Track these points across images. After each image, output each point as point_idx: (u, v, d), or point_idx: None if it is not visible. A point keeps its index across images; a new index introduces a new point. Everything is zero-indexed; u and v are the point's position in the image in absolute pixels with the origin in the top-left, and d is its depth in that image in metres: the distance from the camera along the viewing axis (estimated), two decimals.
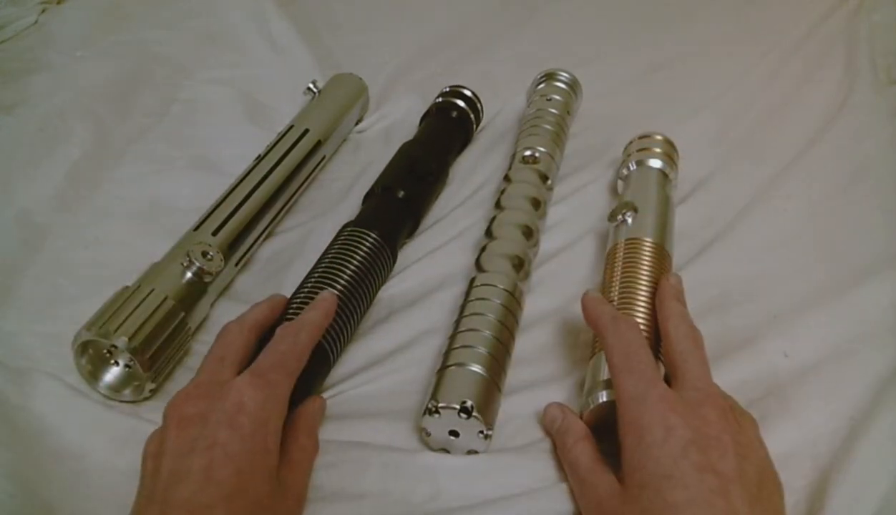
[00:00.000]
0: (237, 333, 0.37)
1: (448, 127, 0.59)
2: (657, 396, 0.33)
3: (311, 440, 0.36)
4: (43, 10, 0.79)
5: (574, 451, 0.36)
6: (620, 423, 0.33)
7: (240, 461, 0.30)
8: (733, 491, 0.29)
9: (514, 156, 0.56)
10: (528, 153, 0.54)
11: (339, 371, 0.43)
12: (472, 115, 0.60)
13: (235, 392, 0.32)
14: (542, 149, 0.55)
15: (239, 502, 0.29)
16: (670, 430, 0.31)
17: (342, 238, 0.46)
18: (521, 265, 0.45)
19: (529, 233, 0.48)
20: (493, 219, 0.49)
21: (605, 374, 0.38)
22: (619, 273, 0.44)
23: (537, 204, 0.50)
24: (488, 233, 0.48)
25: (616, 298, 0.42)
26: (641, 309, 0.41)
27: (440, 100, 0.61)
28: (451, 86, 0.61)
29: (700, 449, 0.30)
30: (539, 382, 0.42)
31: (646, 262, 0.44)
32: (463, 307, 0.43)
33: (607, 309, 0.38)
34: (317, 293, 0.41)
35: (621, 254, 0.45)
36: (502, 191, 0.52)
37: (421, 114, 0.61)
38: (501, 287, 0.43)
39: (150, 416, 0.39)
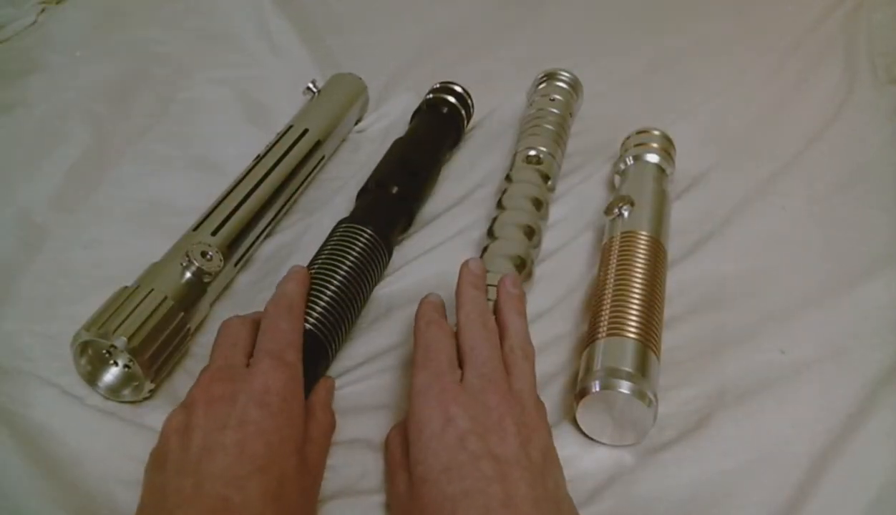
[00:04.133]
0: (240, 323, 0.38)
1: (439, 123, 0.59)
2: (439, 388, 0.33)
3: (327, 415, 0.37)
4: (42, 10, 0.79)
5: (392, 441, 0.37)
6: (408, 419, 0.34)
7: (270, 436, 0.31)
8: (513, 474, 0.30)
9: (515, 155, 0.56)
10: (531, 153, 0.54)
11: (337, 366, 0.43)
12: (462, 111, 0.60)
13: (261, 375, 0.33)
14: (544, 149, 0.55)
15: (270, 474, 0.30)
16: (449, 421, 0.31)
17: (337, 234, 0.46)
18: (523, 265, 0.45)
19: (531, 234, 0.48)
20: (495, 219, 0.49)
21: (598, 364, 0.38)
22: (614, 266, 0.44)
23: (539, 204, 0.50)
24: (490, 233, 0.49)
25: (611, 291, 0.42)
26: (636, 302, 0.41)
27: (430, 96, 0.61)
28: (441, 83, 0.61)
29: (479, 437, 0.31)
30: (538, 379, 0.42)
31: (641, 255, 0.44)
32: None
33: (428, 313, 0.38)
34: (313, 289, 0.41)
35: (617, 246, 0.45)
36: (504, 191, 0.52)
37: None
38: (504, 275, 0.43)
39: (150, 422, 0.39)
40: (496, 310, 0.39)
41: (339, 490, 0.36)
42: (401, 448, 0.35)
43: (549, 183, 0.53)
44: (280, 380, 0.33)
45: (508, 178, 0.53)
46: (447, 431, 0.31)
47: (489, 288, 0.43)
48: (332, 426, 0.38)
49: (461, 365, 0.35)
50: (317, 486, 0.35)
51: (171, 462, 0.31)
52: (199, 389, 0.34)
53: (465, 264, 0.41)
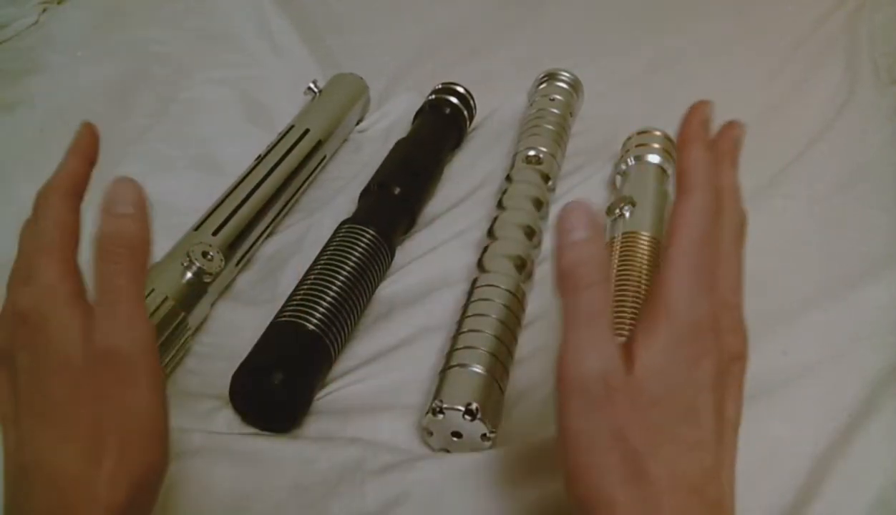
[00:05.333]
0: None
1: (441, 123, 0.59)
2: (711, 308, 0.27)
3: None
4: (43, 10, 0.79)
5: (593, 292, 0.25)
6: (657, 305, 0.26)
7: (37, 374, 0.27)
8: (728, 441, 0.28)
9: (515, 155, 0.56)
10: (531, 153, 0.54)
11: (339, 366, 0.43)
12: (464, 112, 0.61)
13: (10, 304, 0.28)
14: (544, 149, 0.55)
15: (42, 406, 0.26)
16: (707, 354, 0.26)
17: (340, 235, 0.46)
18: (523, 265, 0.45)
19: (532, 234, 0.48)
20: (496, 219, 0.49)
21: None
22: (615, 266, 0.44)
23: (539, 204, 0.50)
24: (490, 233, 0.49)
25: (612, 291, 0.42)
26: (637, 302, 0.41)
27: (433, 97, 0.61)
28: (443, 84, 0.61)
29: (720, 388, 0.27)
30: (539, 381, 0.42)
31: (643, 256, 0.44)
32: (465, 307, 0.43)
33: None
34: (315, 290, 0.41)
35: (618, 247, 0.45)
36: (504, 191, 0.52)
37: None
38: (504, 287, 0.43)
39: None
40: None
41: (338, 488, 0.36)
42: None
43: (550, 183, 0.53)
44: (26, 303, 0.28)
45: (509, 178, 0.53)
46: (701, 367, 0.25)
47: (490, 289, 0.43)
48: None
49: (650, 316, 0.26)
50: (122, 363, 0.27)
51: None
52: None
53: (692, 109, 0.30)
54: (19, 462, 0.26)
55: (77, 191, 0.31)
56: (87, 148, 0.33)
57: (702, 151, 0.28)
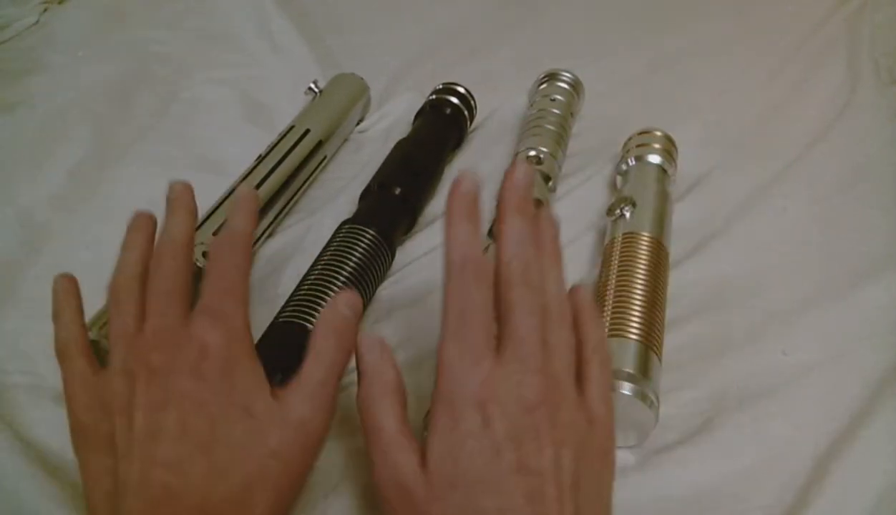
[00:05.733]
0: (172, 257, 0.33)
1: (442, 124, 0.59)
2: (480, 380, 0.28)
3: (330, 341, 0.31)
4: (44, 10, 0.79)
5: (381, 413, 0.29)
6: (435, 396, 0.28)
7: (211, 408, 0.29)
8: (547, 493, 0.27)
9: (516, 156, 0.56)
10: (532, 153, 0.54)
11: None
12: (465, 112, 0.61)
13: (195, 338, 0.30)
14: (545, 149, 0.55)
15: (216, 451, 0.28)
16: (487, 423, 0.27)
17: (340, 235, 0.46)
18: None
19: None
20: (496, 219, 0.49)
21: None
22: (616, 267, 0.44)
23: (540, 205, 0.50)
24: (490, 233, 0.48)
25: (613, 292, 0.42)
26: (637, 303, 0.41)
27: (433, 97, 0.61)
28: (444, 84, 0.61)
29: (516, 444, 0.27)
30: None
31: (643, 256, 0.44)
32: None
33: (462, 244, 0.30)
34: (316, 290, 0.41)
35: (619, 247, 0.45)
36: None
37: None
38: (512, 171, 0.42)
39: None
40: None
41: (342, 488, 0.36)
42: (396, 423, 0.29)
43: (550, 183, 0.53)
44: (216, 341, 0.29)
45: None
46: (484, 434, 0.27)
47: None
48: (339, 355, 0.31)
49: (499, 319, 0.29)
50: (304, 440, 0.30)
51: (118, 445, 0.29)
52: (137, 358, 0.30)
53: (510, 173, 0.32)
54: (160, 482, 0.28)
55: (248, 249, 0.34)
56: (248, 207, 0.35)
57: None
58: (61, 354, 0.32)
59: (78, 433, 0.31)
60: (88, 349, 0.33)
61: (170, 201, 0.36)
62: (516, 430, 0.27)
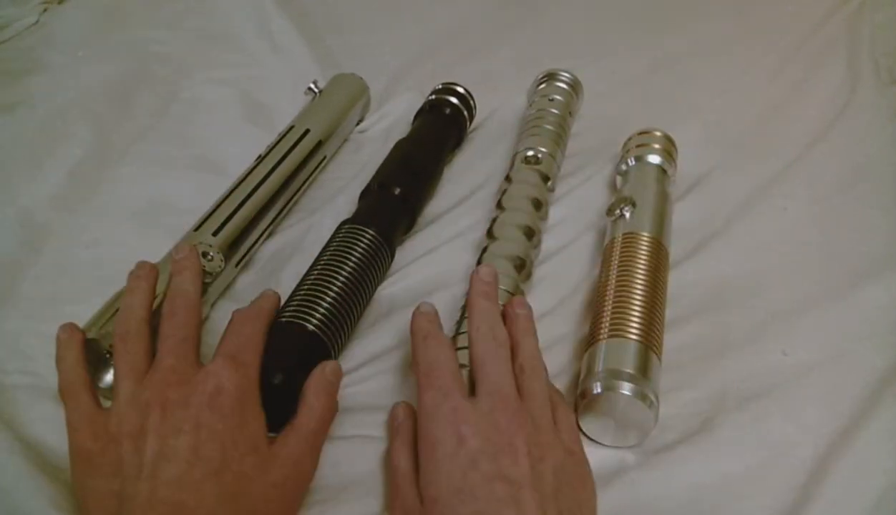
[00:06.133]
0: (186, 311, 0.37)
1: (442, 123, 0.59)
2: (450, 408, 0.33)
3: (321, 400, 0.36)
4: (44, 10, 0.79)
5: (397, 454, 0.35)
6: (418, 438, 0.34)
7: (223, 438, 0.32)
8: (524, 497, 0.30)
9: (515, 156, 0.56)
10: (530, 153, 0.54)
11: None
12: (465, 112, 0.61)
13: (213, 376, 0.33)
14: (543, 149, 0.55)
15: (226, 476, 0.31)
16: (461, 442, 0.31)
17: (340, 235, 0.46)
18: (522, 266, 0.45)
19: (531, 234, 0.48)
20: (495, 219, 0.49)
21: (600, 365, 0.38)
22: (616, 267, 0.44)
23: (539, 205, 0.50)
24: (489, 233, 0.49)
25: (613, 292, 0.42)
26: (637, 303, 0.41)
27: (433, 97, 0.61)
28: (443, 84, 0.61)
29: (490, 458, 0.31)
30: None
31: (643, 257, 0.44)
32: (465, 308, 0.43)
33: (423, 326, 0.38)
34: (315, 291, 0.41)
35: (619, 248, 0.45)
36: (504, 192, 0.52)
37: None
38: (503, 288, 0.43)
39: None
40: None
41: (341, 486, 0.36)
42: (409, 463, 0.34)
43: (549, 183, 0.53)
44: (232, 380, 0.33)
45: (508, 179, 0.53)
46: (459, 452, 0.31)
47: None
48: (326, 411, 0.36)
49: (472, 379, 0.36)
50: (297, 477, 0.34)
51: (126, 468, 0.31)
52: (154, 393, 0.33)
53: (476, 272, 0.40)
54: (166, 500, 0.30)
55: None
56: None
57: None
58: (66, 392, 0.35)
59: (82, 460, 0.33)
60: (92, 388, 0.35)
61: (178, 261, 0.40)
62: (491, 446, 0.31)
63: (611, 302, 0.41)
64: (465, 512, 0.29)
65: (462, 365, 0.38)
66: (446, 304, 0.47)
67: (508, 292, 0.43)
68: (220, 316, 0.46)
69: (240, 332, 0.36)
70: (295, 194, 0.54)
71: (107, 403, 0.39)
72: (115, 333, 0.36)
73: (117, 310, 0.39)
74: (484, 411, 0.33)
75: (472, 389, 0.35)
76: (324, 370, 0.37)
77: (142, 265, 0.39)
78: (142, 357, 0.35)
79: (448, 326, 0.43)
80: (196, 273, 0.39)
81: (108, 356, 0.40)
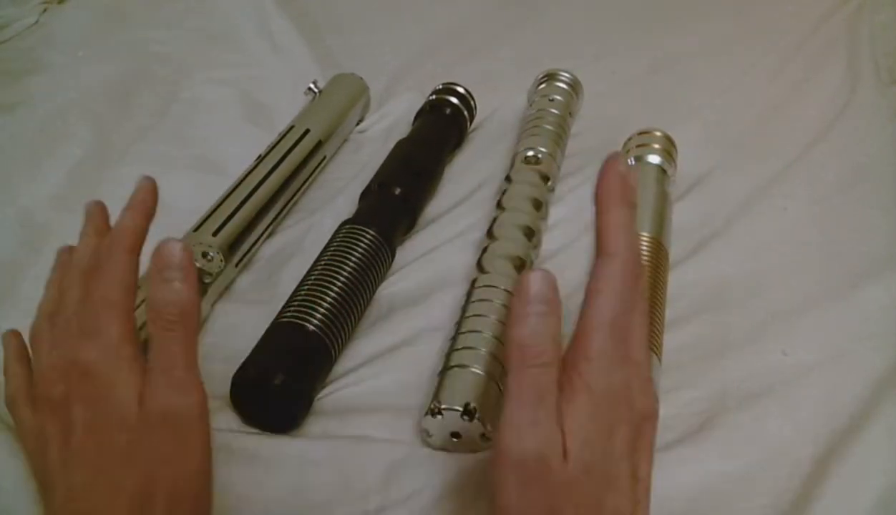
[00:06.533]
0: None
1: (442, 124, 0.59)
2: (624, 374, 0.27)
3: (176, 333, 0.29)
4: (44, 11, 0.79)
5: (543, 380, 0.26)
6: (574, 370, 0.27)
7: (96, 428, 0.29)
8: (643, 501, 0.27)
9: (515, 156, 0.56)
10: (530, 153, 0.54)
11: (338, 367, 0.43)
12: (465, 112, 0.61)
13: (79, 361, 0.29)
14: (543, 149, 0.55)
15: (107, 466, 0.28)
16: (612, 432, 0.27)
17: (340, 235, 0.46)
18: (522, 266, 0.45)
19: (531, 234, 0.48)
20: (495, 219, 0.49)
21: None
22: None
23: (539, 205, 0.50)
24: (489, 233, 0.49)
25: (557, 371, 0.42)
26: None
27: (433, 97, 0.61)
28: (444, 84, 0.61)
29: (629, 454, 0.27)
30: None
31: (643, 257, 0.44)
32: (465, 308, 0.43)
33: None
34: (316, 291, 0.41)
35: None
36: (504, 192, 0.52)
37: None
38: (503, 288, 0.43)
39: None
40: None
41: (341, 487, 0.36)
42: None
43: (549, 183, 0.53)
44: (91, 357, 0.29)
45: (508, 179, 0.53)
46: (611, 442, 0.26)
47: (488, 289, 0.43)
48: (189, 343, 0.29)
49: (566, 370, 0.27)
50: (173, 426, 0.29)
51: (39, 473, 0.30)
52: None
53: (611, 162, 0.28)
54: (71, 511, 0.28)
55: (138, 248, 0.33)
56: (146, 204, 0.34)
57: (624, 212, 0.27)
58: (10, 405, 0.33)
59: (34, 475, 0.32)
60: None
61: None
62: (636, 439, 0.27)
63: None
64: (609, 504, 0.26)
65: (452, 368, 0.38)
66: (447, 303, 0.47)
67: (509, 292, 0.43)
68: (221, 317, 0.46)
69: (96, 290, 0.31)
70: (295, 194, 0.54)
71: None
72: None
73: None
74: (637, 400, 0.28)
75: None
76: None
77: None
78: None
79: (448, 326, 0.43)
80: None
81: None
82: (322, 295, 0.41)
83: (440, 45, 0.77)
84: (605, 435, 0.26)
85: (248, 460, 0.37)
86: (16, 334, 0.36)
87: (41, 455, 0.30)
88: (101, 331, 0.30)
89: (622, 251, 0.27)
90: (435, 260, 0.50)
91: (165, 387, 0.28)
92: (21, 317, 0.45)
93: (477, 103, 0.63)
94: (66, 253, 0.36)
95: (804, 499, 0.35)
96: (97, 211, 0.37)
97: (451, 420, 0.36)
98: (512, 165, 0.55)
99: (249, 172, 0.51)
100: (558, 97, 0.61)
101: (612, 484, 0.26)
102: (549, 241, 0.52)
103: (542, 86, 0.62)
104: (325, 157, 0.58)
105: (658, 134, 0.54)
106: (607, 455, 0.26)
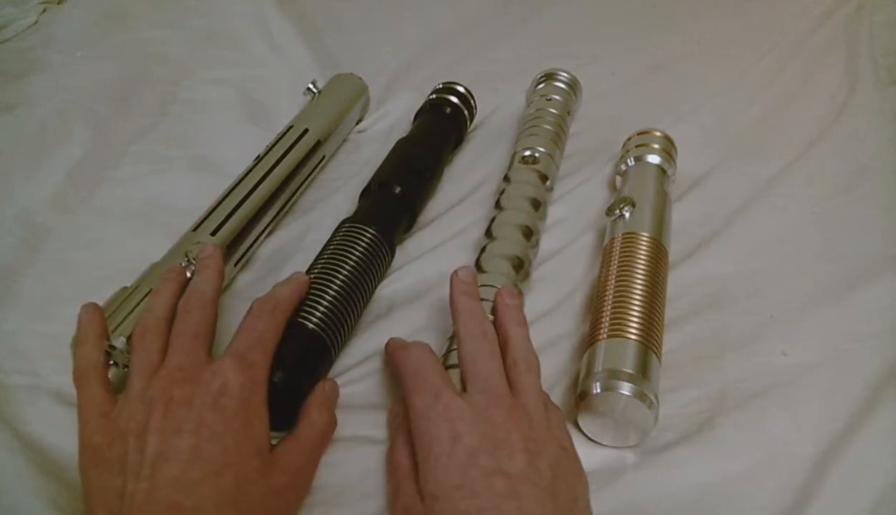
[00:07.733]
0: (200, 308, 0.37)
1: (442, 123, 0.59)
2: (442, 407, 0.33)
3: (323, 415, 0.37)
4: (43, 11, 0.79)
5: (398, 452, 0.35)
6: (414, 439, 0.34)
7: (225, 439, 0.31)
8: (524, 491, 0.30)
9: (513, 156, 0.56)
10: (527, 153, 0.54)
11: (338, 365, 0.43)
12: (465, 112, 0.61)
13: (219, 375, 0.33)
14: (541, 149, 0.55)
15: (226, 478, 0.30)
16: (457, 439, 0.31)
17: (340, 234, 0.46)
18: (520, 266, 0.45)
19: (529, 234, 0.48)
20: (493, 219, 0.49)
21: (599, 365, 0.38)
22: (615, 267, 0.44)
23: (537, 204, 0.50)
24: (488, 233, 0.48)
25: (612, 292, 0.42)
26: (637, 303, 0.40)
27: (433, 96, 0.61)
28: (444, 83, 0.61)
29: (488, 453, 0.31)
30: None
31: (642, 257, 0.44)
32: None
33: (398, 342, 0.40)
34: (316, 289, 0.41)
35: (618, 248, 0.45)
36: (502, 192, 0.52)
37: None
38: (500, 287, 0.43)
39: None
40: (495, 324, 0.38)
41: (340, 488, 0.36)
42: (410, 460, 0.34)
43: (548, 183, 0.53)
44: (238, 381, 0.33)
45: (506, 179, 0.53)
46: (456, 448, 0.31)
47: (487, 289, 0.43)
48: (328, 426, 0.37)
49: (462, 378, 0.35)
50: (297, 487, 0.34)
51: (128, 465, 0.31)
52: (160, 391, 0.33)
53: (455, 274, 0.40)
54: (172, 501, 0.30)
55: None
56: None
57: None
58: (80, 379, 0.35)
59: (89, 453, 0.32)
60: (106, 377, 0.35)
61: (202, 260, 0.40)
62: (488, 441, 0.31)
63: (610, 302, 0.41)
64: (466, 508, 0.29)
65: (452, 366, 0.38)
66: (446, 304, 0.47)
67: None
68: (220, 316, 0.46)
69: (252, 328, 0.36)
70: (294, 194, 0.54)
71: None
72: (134, 331, 0.36)
73: (116, 310, 0.39)
74: (478, 407, 0.33)
75: (464, 387, 0.35)
76: (325, 386, 0.38)
77: (174, 268, 0.40)
78: (156, 354, 0.34)
79: (448, 326, 0.43)
80: (215, 271, 0.39)
81: (106, 355, 0.40)
82: (322, 294, 0.41)
83: (440, 45, 0.77)
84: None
85: None
86: (97, 308, 0.38)
87: (132, 440, 0.31)
88: (254, 365, 0.34)
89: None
90: (435, 260, 0.50)
91: (302, 453, 0.35)
92: (20, 317, 0.45)
93: (477, 103, 0.63)
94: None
95: (804, 499, 0.35)
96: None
97: None
98: (510, 165, 0.55)
99: (248, 172, 0.51)
100: (557, 97, 0.61)
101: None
102: (550, 241, 0.52)
103: (541, 85, 0.62)
104: (324, 157, 0.58)
105: (658, 134, 0.54)
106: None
